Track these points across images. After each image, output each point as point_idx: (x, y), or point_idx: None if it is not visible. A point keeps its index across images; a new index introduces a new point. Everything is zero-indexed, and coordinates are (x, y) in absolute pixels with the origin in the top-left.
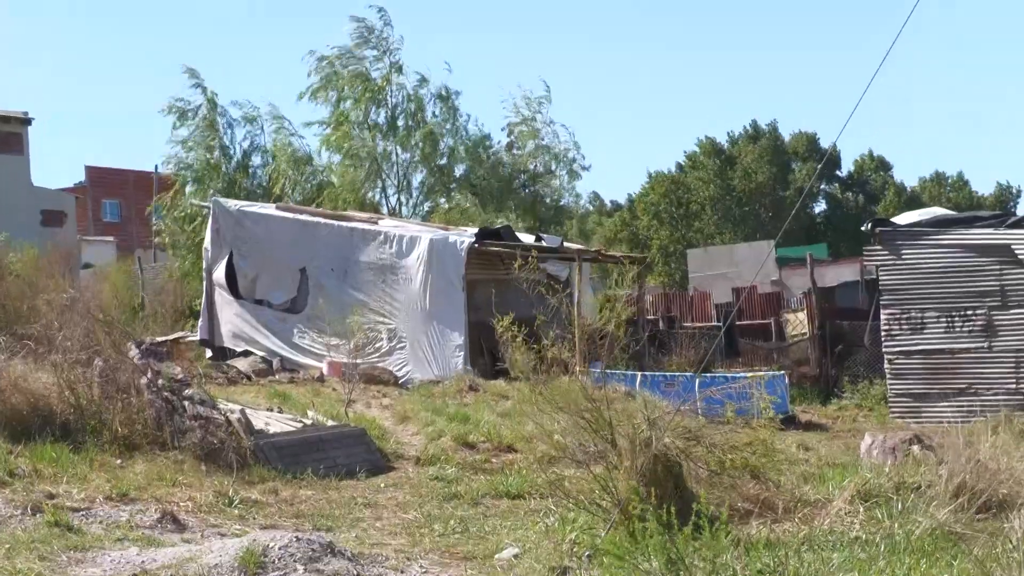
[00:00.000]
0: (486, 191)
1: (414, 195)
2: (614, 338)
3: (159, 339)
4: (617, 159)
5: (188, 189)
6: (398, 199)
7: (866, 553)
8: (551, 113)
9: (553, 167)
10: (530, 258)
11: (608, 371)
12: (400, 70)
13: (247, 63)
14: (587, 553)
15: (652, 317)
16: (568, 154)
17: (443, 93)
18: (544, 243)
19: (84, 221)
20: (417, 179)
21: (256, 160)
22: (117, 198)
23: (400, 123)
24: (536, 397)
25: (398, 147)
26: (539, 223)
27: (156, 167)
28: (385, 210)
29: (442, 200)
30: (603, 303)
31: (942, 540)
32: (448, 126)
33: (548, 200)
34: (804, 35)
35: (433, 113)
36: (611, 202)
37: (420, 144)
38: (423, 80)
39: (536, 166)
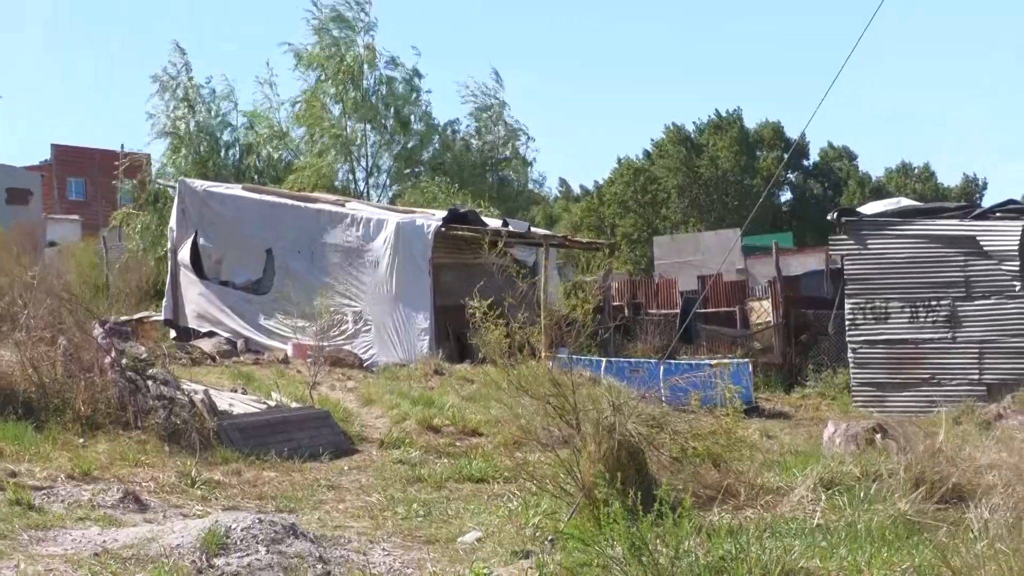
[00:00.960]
0: (453, 175)
1: (382, 178)
2: (581, 324)
3: (123, 318)
4: (586, 145)
5: (167, 157)
6: (366, 182)
7: (827, 541)
8: (505, 97)
9: (507, 154)
10: (498, 243)
11: (574, 356)
12: (373, 52)
13: (225, 36)
14: (550, 537)
15: (618, 303)
16: (520, 137)
17: (412, 77)
18: (511, 228)
19: (49, 199)
20: (386, 162)
21: (226, 136)
22: (83, 177)
23: (372, 104)
24: (503, 380)
25: (368, 128)
26: (505, 209)
27: (122, 146)
28: (353, 193)
29: (409, 184)
30: (571, 289)
31: (903, 529)
32: (416, 109)
33: (516, 185)
34: (770, 23)
35: (403, 96)
36: (580, 187)
37: (390, 126)
38: (394, 62)
39: (500, 151)
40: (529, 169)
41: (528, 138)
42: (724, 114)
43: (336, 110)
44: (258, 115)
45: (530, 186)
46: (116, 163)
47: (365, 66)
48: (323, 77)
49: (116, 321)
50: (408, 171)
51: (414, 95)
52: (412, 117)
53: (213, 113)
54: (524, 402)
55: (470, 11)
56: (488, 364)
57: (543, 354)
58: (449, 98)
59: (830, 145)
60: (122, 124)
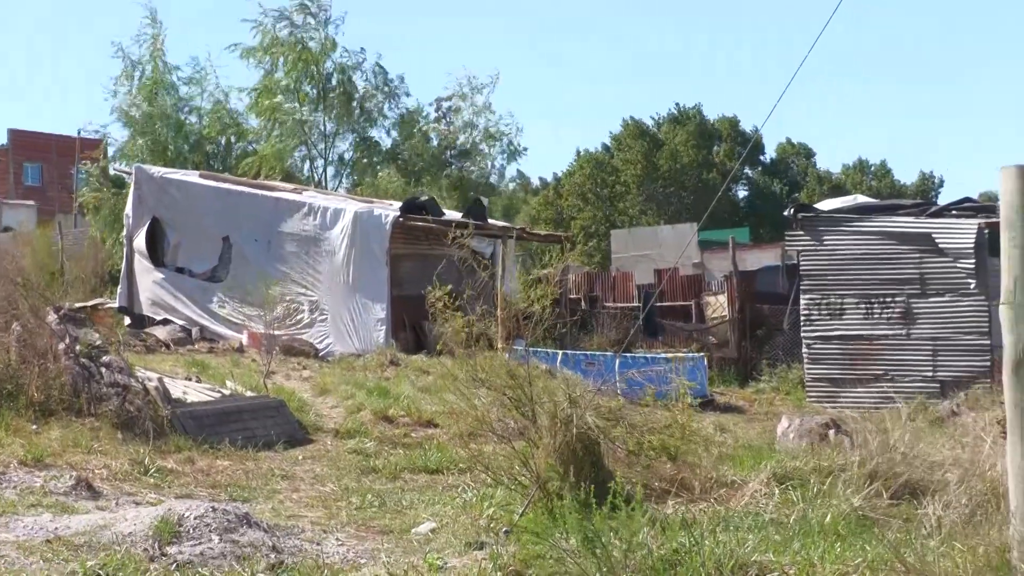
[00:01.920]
0: (413, 165)
1: (341, 168)
2: (539, 316)
3: (78, 305)
4: (545, 137)
5: (119, 144)
6: (324, 171)
7: (780, 535)
8: (493, 96)
9: (485, 148)
10: (458, 233)
11: (530, 349)
12: (334, 42)
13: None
14: (505, 529)
15: (575, 296)
16: (508, 134)
17: (376, 68)
18: (471, 218)
19: (5, 184)
20: (345, 152)
21: (192, 122)
22: (39, 162)
23: (332, 94)
24: (459, 371)
25: (325, 117)
26: (467, 200)
27: (79, 131)
28: (311, 182)
29: (367, 174)
30: (529, 282)
31: (856, 524)
32: (379, 99)
33: (475, 176)
34: (735, 18)
35: (363, 85)
36: (539, 179)
37: (346, 114)
38: (357, 52)
39: (465, 142)
40: (515, 165)
41: (518, 131)
42: (685, 108)
43: (293, 99)
44: (219, 102)
45: (503, 180)
46: (85, 152)
47: (326, 56)
48: (279, 66)
49: (70, 307)
50: (366, 160)
51: (379, 85)
52: (373, 107)
53: (178, 98)
54: (480, 393)
55: (428, 4)
56: (445, 355)
57: (500, 346)
58: (420, 88)
59: (788, 141)
60: (79, 106)
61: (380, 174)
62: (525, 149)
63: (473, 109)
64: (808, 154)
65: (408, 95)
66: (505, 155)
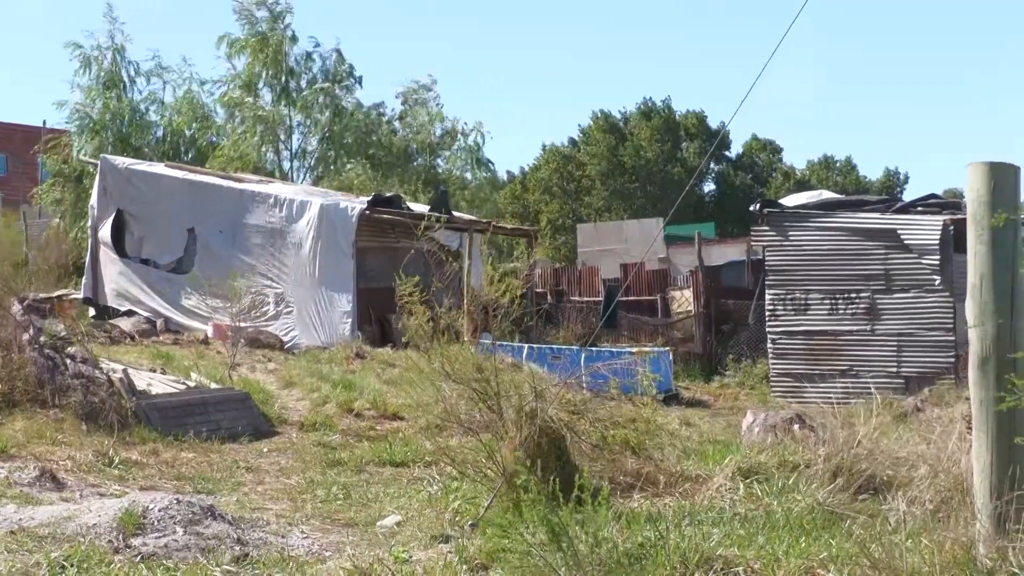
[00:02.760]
0: (379, 160)
1: (308, 162)
2: (506, 310)
3: (42, 296)
4: (511, 130)
5: (78, 142)
6: (290, 165)
7: (745, 529)
8: (441, 91)
9: (451, 149)
10: (425, 226)
11: (497, 342)
12: (294, 35)
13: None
14: (470, 523)
15: (541, 290)
16: (471, 137)
17: (337, 60)
18: (436, 210)
19: None
20: (311, 146)
21: (154, 116)
22: (3, 152)
23: (293, 87)
24: (425, 364)
25: (292, 111)
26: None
27: (44, 122)
28: (277, 175)
29: (332, 167)
30: (497, 276)
31: (821, 519)
32: (340, 92)
33: (440, 170)
34: (695, 12)
35: (325, 78)
36: (506, 172)
37: (312, 108)
38: (316, 46)
39: (427, 136)
40: (481, 174)
41: (481, 135)
42: (657, 103)
43: (265, 92)
44: (188, 95)
45: (470, 178)
46: (36, 146)
47: (288, 49)
48: (251, 60)
49: (35, 298)
50: (333, 155)
51: (341, 78)
52: (335, 103)
53: (140, 92)
54: (446, 386)
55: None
56: (410, 348)
57: (467, 339)
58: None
59: (754, 137)
60: (46, 97)
61: (348, 166)
62: (490, 161)
63: (428, 109)
64: (775, 150)
65: (361, 86)
66: (471, 159)
